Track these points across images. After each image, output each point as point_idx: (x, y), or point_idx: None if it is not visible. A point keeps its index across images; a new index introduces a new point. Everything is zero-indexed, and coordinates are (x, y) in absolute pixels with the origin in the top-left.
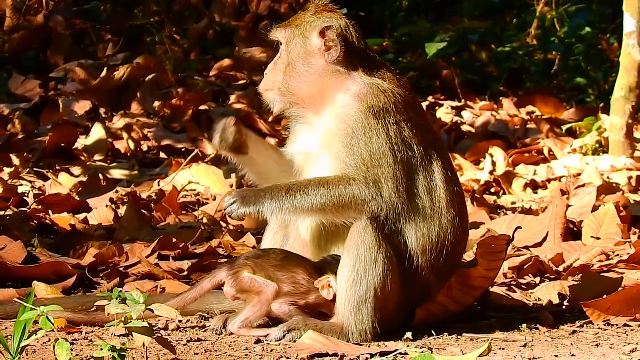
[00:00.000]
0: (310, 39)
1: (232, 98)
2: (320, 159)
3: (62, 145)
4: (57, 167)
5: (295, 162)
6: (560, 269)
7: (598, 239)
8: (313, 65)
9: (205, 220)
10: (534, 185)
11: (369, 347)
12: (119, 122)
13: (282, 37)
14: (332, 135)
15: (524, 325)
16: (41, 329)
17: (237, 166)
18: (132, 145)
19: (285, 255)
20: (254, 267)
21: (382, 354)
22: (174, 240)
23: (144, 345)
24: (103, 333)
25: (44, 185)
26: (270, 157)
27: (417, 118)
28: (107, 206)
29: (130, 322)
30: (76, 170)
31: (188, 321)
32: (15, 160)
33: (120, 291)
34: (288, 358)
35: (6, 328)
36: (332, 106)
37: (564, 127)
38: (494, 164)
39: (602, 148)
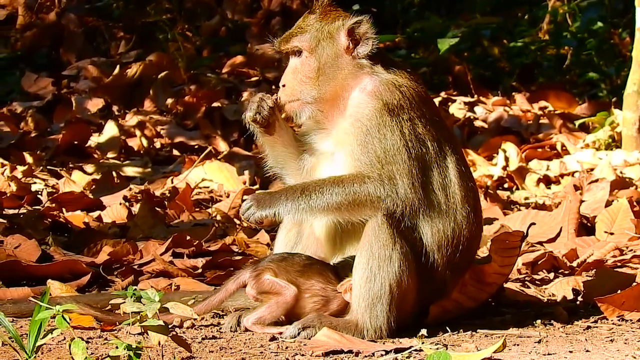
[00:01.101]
0: (338, 38)
1: (245, 94)
2: (335, 158)
3: (75, 143)
4: (70, 165)
5: (307, 159)
6: (574, 264)
7: (611, 234)
8: (341, 65)
9: (218, 218)
10: (546, 181)
11: (384, 343)
12: (131, 120)
13: (304, 44)
14: (346, 134)
15: (538, 321)
16: (56, 328)
17: (259, 144)
18: (145, 142)
19: (310, 262)
20: (276, 270)
21: (397, 351)
22: (188, 237)
23: (159, 343)
24: (118, 331)
25: (57, 183)
26: (291, 146)
27: (430, 114)
28: (120, 204)
29: (146, 320)
30: (89, 168)
31: (202, 319)
32: (29, 158)
33: (135, 289)
34: (303, 355)
35: (21, 327)
36: (348, 105)
37: (577, 122)
38: (506, 159)
39: (614, 143)
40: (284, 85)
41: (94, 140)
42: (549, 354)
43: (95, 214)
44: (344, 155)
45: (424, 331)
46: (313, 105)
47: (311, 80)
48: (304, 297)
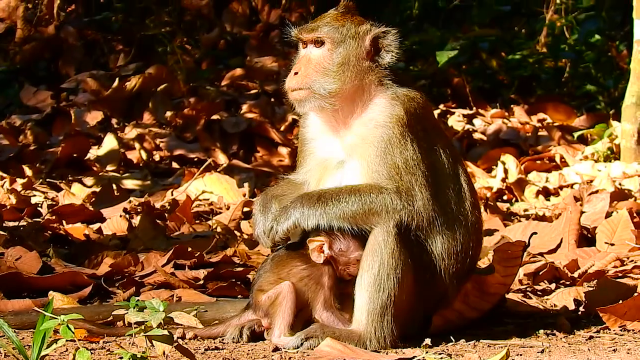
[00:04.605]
0: (364, 42)
1: (244, 107)
2: (347, 167)
3: (74, 155)
4: (70, 178)
5: (311, 173)
6: (575, 275)
7: (612, 244)
8: (364, 69)
9: (219, 229)
10: (546, 192)
11: (387, 354)
12: (130, 132)
13: (330, 36)
14: (364, 140)
15: (541, 331)
16: (60, 338)
17: None
18: (144, 155)
19: (277, 254)
20: (263, 287)
21: None
22: (189, 249)
23: (164, 353)
24: (121, 342)
25: (57, 196)
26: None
27: (437, 126)
28: (120, 216)
29: (150, 330)
30: (89, 180)
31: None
32: (28, 171)
33: (138, 300)
34: None
35: (23, 338)
36: (368, 109)
37: (575, 134)
38: (506, 171)
39: (613, 155)
40: (296, 73)
41: (93, 153)
42: None
43: (96, 226)
44: (359, 164)
45: (428, 341)
46: (325, 100)
47: (331, 73)
48: (295, 284)
